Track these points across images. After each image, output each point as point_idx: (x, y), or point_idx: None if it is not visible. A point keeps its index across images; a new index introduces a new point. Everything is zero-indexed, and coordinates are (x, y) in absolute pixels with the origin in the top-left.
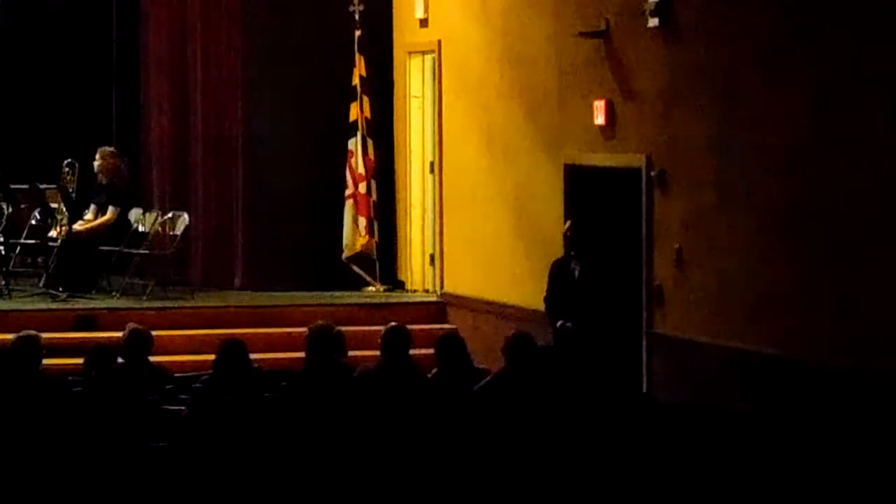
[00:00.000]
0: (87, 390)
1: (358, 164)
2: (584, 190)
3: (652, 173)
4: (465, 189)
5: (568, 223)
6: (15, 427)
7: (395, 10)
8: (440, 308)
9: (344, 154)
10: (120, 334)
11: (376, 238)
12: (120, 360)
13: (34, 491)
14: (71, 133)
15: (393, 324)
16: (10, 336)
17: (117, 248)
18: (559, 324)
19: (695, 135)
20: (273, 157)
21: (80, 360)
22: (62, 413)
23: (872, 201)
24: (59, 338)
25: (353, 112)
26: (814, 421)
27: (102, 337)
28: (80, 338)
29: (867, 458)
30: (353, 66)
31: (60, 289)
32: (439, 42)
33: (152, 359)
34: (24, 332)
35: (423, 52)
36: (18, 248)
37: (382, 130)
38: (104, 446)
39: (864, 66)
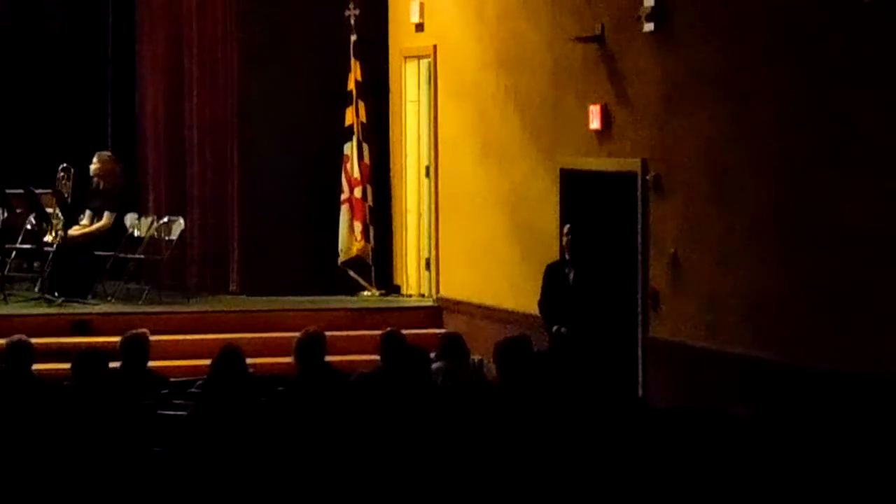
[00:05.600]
0: (84, 395)
1: (353, 168)
2: (579, 194)
3: (647, 177)
4: (460, 193)
5: (566, 228)
6: (8, 433)
7: (390, 15)
8: (436, 312)
9: (339, 159)
10: (115, 339)
11: (372, 243)
12: (116, 364)
13: (29, 497)
14: (66, 138)
15: (388, 329)
16: (3, 341)
17: (113, 253)
18: (554, 328)
19: (690, 139)
20: (268, 162)
21: None
22: (56, 418)
23: (870, 205)
24: (54, 343)
25: (349, 116)
26: (811, 425)
27: (98, 342)
28: (76, 343)
29: (865, 463)
30: (349, 70)
31: (56, 294)
32: (435, 47)
33: (148, 363)
34: (14, 337)
35: (419, 57)
36: (14, 253)
37: (378, 135)
38: (100, 451)
39: (861, 70)
